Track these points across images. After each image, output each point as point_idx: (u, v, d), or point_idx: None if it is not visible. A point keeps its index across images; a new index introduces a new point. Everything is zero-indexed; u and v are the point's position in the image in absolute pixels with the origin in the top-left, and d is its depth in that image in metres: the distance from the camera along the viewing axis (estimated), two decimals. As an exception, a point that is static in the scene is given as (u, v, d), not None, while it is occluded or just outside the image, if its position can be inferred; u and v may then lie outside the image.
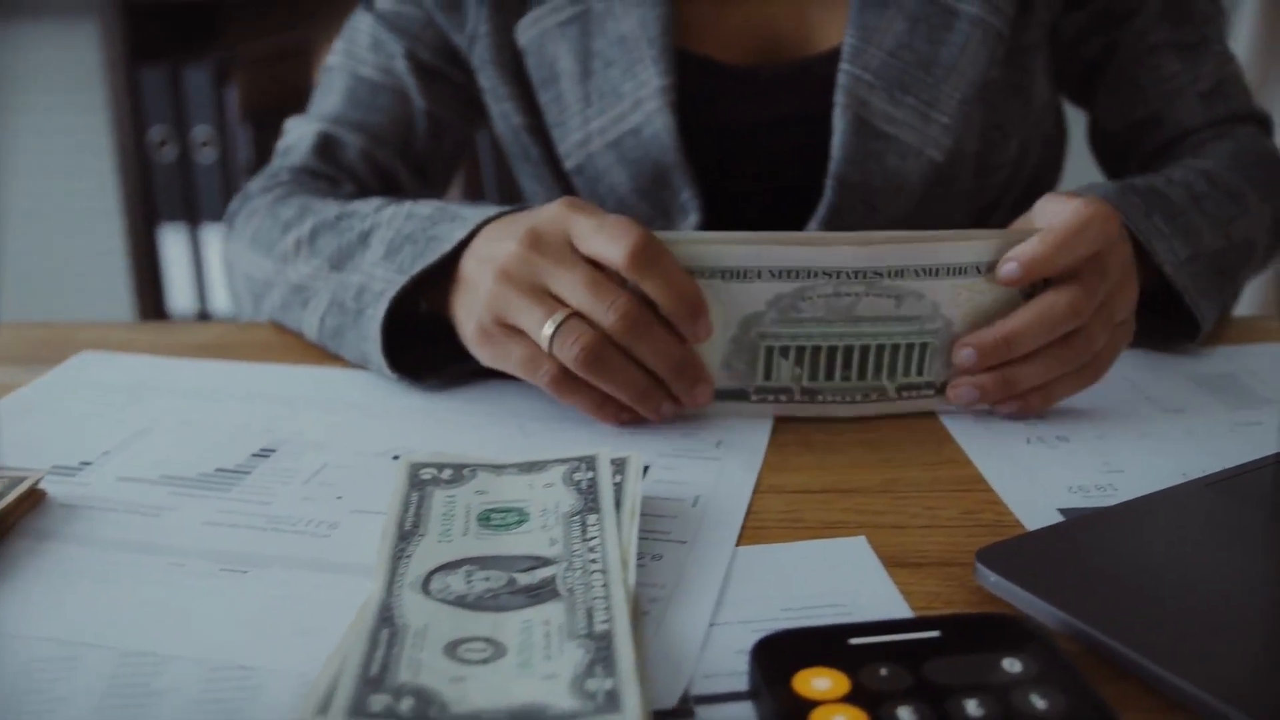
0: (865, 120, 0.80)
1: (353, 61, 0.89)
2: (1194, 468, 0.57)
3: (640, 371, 0.59)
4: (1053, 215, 0.60)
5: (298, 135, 0.89)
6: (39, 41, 2.00)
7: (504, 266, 0.59)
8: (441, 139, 0.91)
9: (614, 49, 0.82)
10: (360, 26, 0.90)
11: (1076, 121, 0.98)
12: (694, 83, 0.83)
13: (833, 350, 0.60)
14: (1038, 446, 0.59)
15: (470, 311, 0.62)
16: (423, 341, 0.67)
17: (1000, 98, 0.83)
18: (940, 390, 0.62)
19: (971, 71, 0.81)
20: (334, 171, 0.87)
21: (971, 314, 0.60)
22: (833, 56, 0.82)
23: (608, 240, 0.57)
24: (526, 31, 0.84)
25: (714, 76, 0.85)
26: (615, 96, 0.82)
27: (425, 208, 0.69)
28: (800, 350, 0.60)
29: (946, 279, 0.59)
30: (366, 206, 0.73)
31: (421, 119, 0.89)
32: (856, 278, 0.58)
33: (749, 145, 0.86)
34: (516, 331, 0.60)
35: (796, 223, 0.85)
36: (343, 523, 0.52)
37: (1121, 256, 0.61)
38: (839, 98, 0.80)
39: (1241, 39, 1.97)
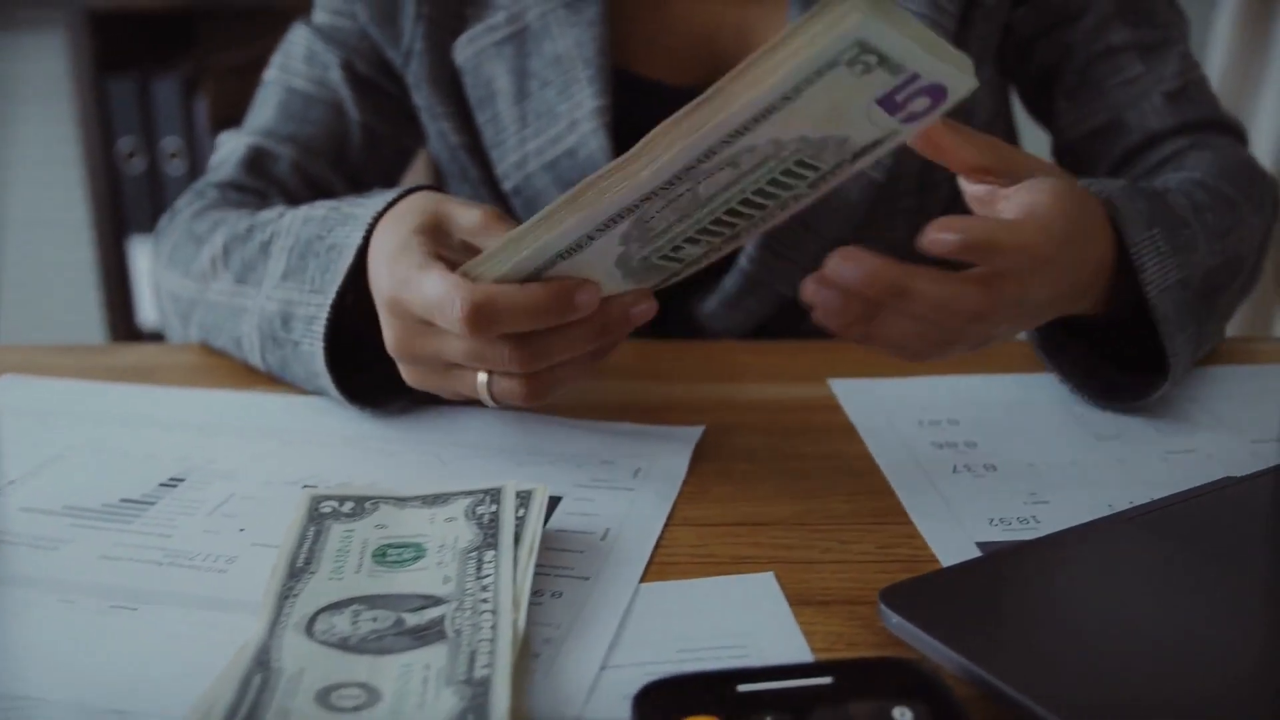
0: None
1: (286, 75, 0.88)
2: (1121, 499, 0.55)
3: (579, 335, 0.56)
4: (1034, 204, 0.54)
5: (228, 150, 0.87)
6: (5, 53, 1.99)
7: (394, 342, 0.58)
8: (378, 151, 0.89)
9: (550, 69, 0.81)
10: (296, 40, 0.89)
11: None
12: (632, 104, 0.82)
13: (719, 221, 0.52)
14: (964, 475, 0.58)
15: (387, 340, 0.59)
16: (373, 354, 0.63)
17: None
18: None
19: None
20: (263, 185, 0.85)
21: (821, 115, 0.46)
22: None
23: (443, 321, 0.54)
24: (463, 51, 0.83)
25: (653, 97, 0.82)
26: (551, 117, 0.81)
27: (319, 209, 0.67)
28: (692, 239, 0.53)
29: (765, 126, 0.46)
30: (272, 214, 0.71)
31: (357, 130, 0.87)
32: (677, 183, 0.48)
33: None
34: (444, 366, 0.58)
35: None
36: (241, 557, 0.51)
37: (1077, 276, 0.56)
38: None
39: (1218, 46, 1.97)
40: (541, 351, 0.55)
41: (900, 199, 0.83)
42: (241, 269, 0.69)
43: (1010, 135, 0.97)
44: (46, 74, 1.98)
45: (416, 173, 1.47)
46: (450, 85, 0.84)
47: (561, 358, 0.55)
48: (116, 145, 1.84)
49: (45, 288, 2.10)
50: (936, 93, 0.45)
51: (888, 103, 0.45)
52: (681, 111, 0.46)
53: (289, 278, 0.65)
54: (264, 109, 0.87)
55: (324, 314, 0.62)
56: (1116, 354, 0.68)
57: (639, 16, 0.84)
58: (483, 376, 0.56)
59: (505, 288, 0.53)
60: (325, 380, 0.63)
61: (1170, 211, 0.64)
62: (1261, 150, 1.97)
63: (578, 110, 0.80)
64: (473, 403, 0.59)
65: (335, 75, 0.86)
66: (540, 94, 0.81)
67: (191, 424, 0.64)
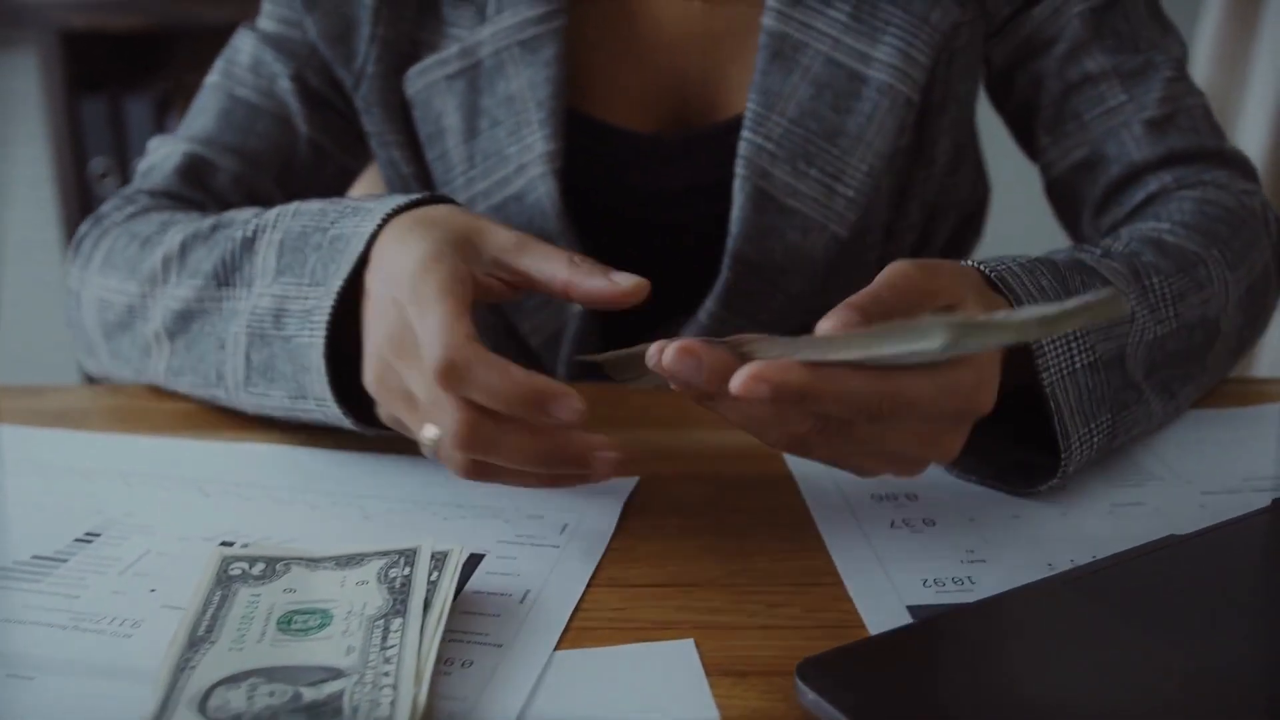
0: (766, 193, 0.77)
1: (230, 82, 0.83)
2: (1062, 557, 0.54)
3: (531, 447, 0.51)
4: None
5: (161, 155, 0.82)
6: (-22, 72, 1.98)
7: (380, 338, 0.55)
8: (324, 169, 0.86)
9: (501, 108, 0.79)
10: (241, 46, 0.84)
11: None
12: (586, 148, 0.80)
13: None
14: (901, 531, 0.57)
15: (367, 351, 0.56)
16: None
17: (901, 161, 0.80)
18: None
19: (879, 142, 0.77)
20: (201, 196, 0.81)
21: None
22: (736, 124, 0.78)
23: (423, 354, 0.51)
24: (414, 82, 0.81)
25: (608, 142, 0.81)
26: (499, 159, 0.79)
27: (312, 204, 0.63)
28: None
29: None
30: (241, 214, 0.67)
31: (304, 146, 0.83)
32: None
33: (644, 215, 0.82)
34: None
35: (692, 298, 0.81)
36: (148, 620, 0.49)
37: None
38: (739, 168, 0.77)
39: (1204, 44, 1.96)
40: (489, 439, 0.50)
41: (865, 252, 0.81)
42: (222, 269, 0.65)
43: (979, 182, 0.94)
44: (19, 94, 1.97)
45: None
46: (401, 113, 0.82)
47: (505, 457, 0.51)
48: (89, 165, 1.84)
49: (17, 308, 2.09)
50: None
51: None
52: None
53: (284, 273, 0.62)
54: (203, 115, 0.83)
55: (327, 303, 0.58)
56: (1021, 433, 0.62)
57: (600, 59, 0.82)
58: (431, 430, 0.53)
59: (493, 359, 0.49)
60: (313, 375, 0.59)
61: (1090, 284, 0.60)
62: (1248, 147, 1.97)
63: (527, 154, 0.78)
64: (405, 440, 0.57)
65: (284, 86, 0.82)
66: (490, 134, 0.79)
67: (114, 472, 0.63)
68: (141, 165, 0.84)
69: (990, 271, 0.57)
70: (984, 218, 0.97)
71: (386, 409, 0.56)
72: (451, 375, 0.49)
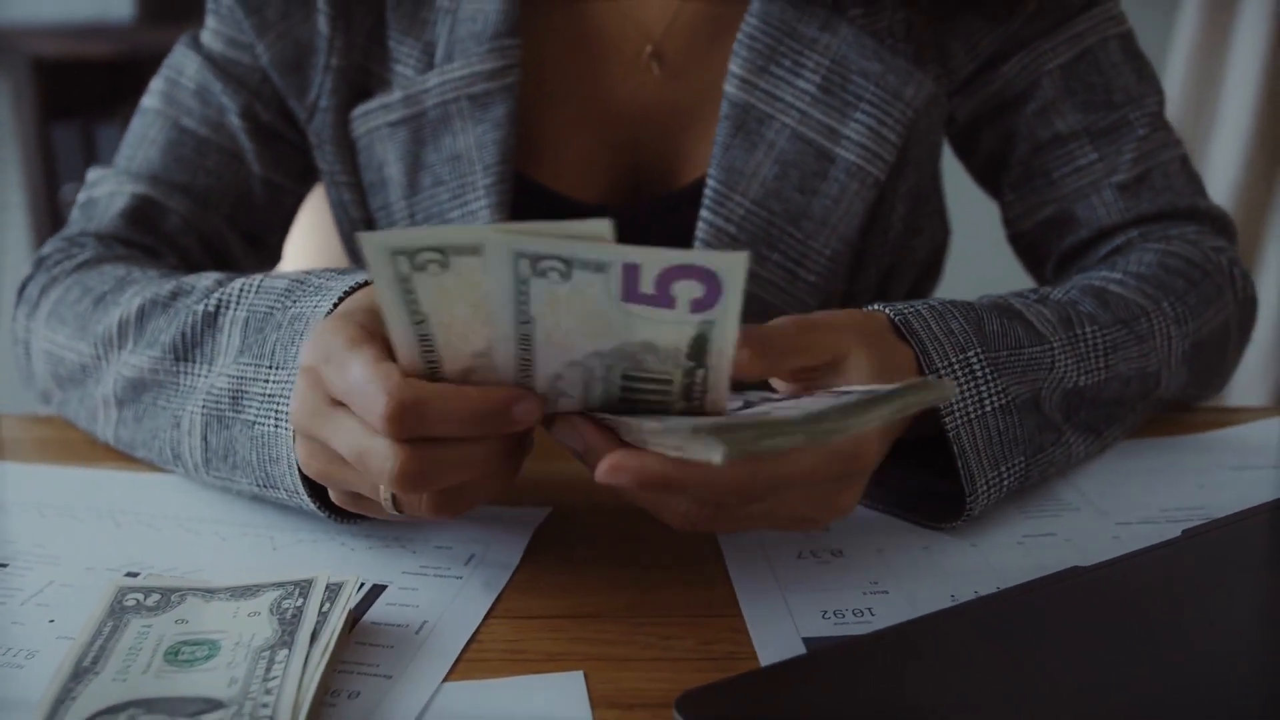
0: None
1: (174, 109, 0.79)
2: (966, 589, 0.54)
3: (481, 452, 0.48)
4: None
5: (106, 193, 0.78)
6: (-49, 99, 1.99)
7: (296, 413, 0.51)
8: (280, 206, 0.82)
9: (445, 167, 0.75)
10: (185, 69, 0.79)
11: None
12: (530, 218, 0.76)
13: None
14: (807, 561, 0.57)
15: (291, 409, 0.52)
16: None
17: (859, 233, 0.77)
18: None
19: (844, 226, 0.74)
20: (152, 242, 0.77)
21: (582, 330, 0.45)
22: (694, 194, 0.75)
23: (360, 411, 0.47)
24: (357, 125, 0.77)
25: (557, 214, 0.75)
26: (440, 222, 0.76)
27: (279, 280, 0.60)
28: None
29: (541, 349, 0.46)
30: (202, 282, 0.64)
31: (258, 186, 0.80)
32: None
33: None
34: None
35: None
36: (43, 651, 0.49)
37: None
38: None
39: (1179, 49, 1.98)
40: (436, 463, 0.46)
41: (830, 300, 0.78)
42: (182, 344, 0.61)
43: (933, 242, 0.91)
44: (-9, 121, 1.98)
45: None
46: (351, 153, 0.79)
47: (457, 472, 0.47)
48: (61, 191, 1.84)
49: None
50: (703, 275, 0.42)
51: (640, 296, 0.43)
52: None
53: (244, 352, 0.58)
54: (147, 146, 0.79)
55: (290, 390, 0.54)
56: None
57: (551, 122, 0.79)
58: (382, 489, 0.49)
59: (441, 388, 0.46)
60: (283, 467, 0.55)
61: (1010, 328, 0.60)
62: (1224, 155, 1.98)
63: (470, 221, 0.75)
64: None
65: (234, 122, 0.78)
66: (432, 192, 0.76)
67: (29, 503, 0.63)
68: (81, 197, 0.81)
69: (896, 316, 0.57)
70: (943, 263, 0.95)
71: (333, 488, 0.52)
72: (406, 417, 0.45)
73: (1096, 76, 0.77)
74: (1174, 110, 1.98)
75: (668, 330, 0.44)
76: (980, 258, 1.18)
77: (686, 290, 0.43)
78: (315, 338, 0.50)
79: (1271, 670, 0.46)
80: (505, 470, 0.50)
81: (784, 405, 0.49)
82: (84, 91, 1.89)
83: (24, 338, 0.74)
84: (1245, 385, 2.02)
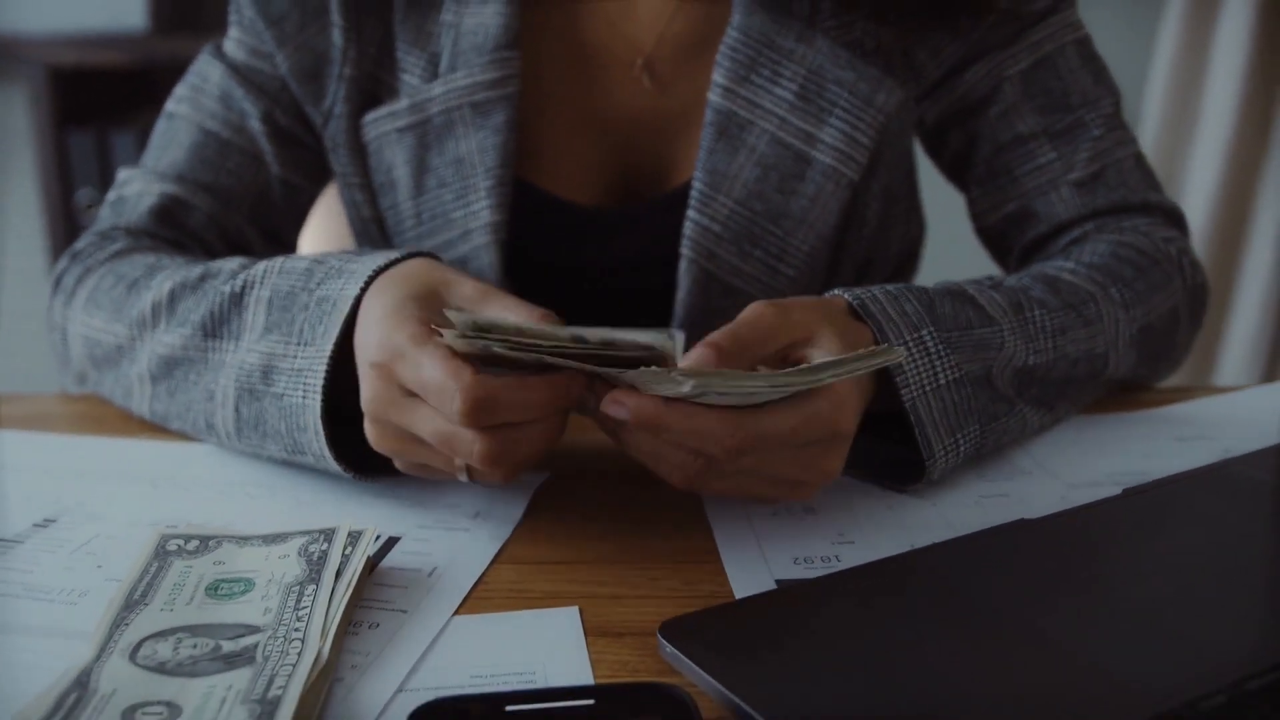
0: (711, 274, 0.79)
1: (199, 113, 0.84)
2: (925, 540, 0.59)
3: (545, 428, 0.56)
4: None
5: (135, 192, 0.83)
6: (-31, 107, 2.05)
7: (370, 403, 0.58)
8: (296, 204, 0.88)
9: (449, 170, 0.80)
10: (209, 75, 0.85)
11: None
12: (530, 221, 0.81)
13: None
14: (783, 517, 0.63)
15: (364, 397, 0.59)
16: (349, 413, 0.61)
17: (835, 230, 0.82)
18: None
19: (821, 224, 0.80)
20: (179, 237, 0.82)
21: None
22: (683, 195, 0.80)
23: (438, 404, 0.54)
24: (368, 130, 0.83)
25: (553, 215, 0.83)
26: (445, 221, 0.81)
27: (300, 261, 0.66)
28: None
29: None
30: (227, 265, 0.70)
31: (277, 185, 0.85)
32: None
33: (587, 285, 0.85)
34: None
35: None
36: (92, 591, 0.55)
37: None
38: (685, 249, 0.79)
39: (1163, 51, 2.03)
40: (513, 444, 0.54)
41: (809, 292, 0.82)
42: (210, 322, 0.67)
43: (908, 237, 0.95)
44: (9, 127, 2.04)
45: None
46: (363, 156, 0.84)
47: (529, 449, 0.55)
48: (75, 196, 1.90)
49: (5, 334, 2.14)
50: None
51: None
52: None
53: (272, 330, 0.64)
54: (174, 149, 0.84)
55: (320, 366, 0.61)
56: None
57: (549, 130, 0.83)
58: (461, 475, 0.57)
59: (506, 381, 0.53)
60: (310, 435, 0.62)
61: (961, 311, 0.65)
62: (1208, 149, 2.04)
63: (473, 220, 0.80)
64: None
65: (255, 126, 0.83)
66: (437, 194, 0.81)
67: (71, 469, 0.68)
68: (111, 195, 0.86)
69: (853, 300, 0.63)
70: (919, 256, 1.01)
71: (402, 461, 0.60)
72: (481, 411, 0.52)
73: (1054, 81, 0.83)
74: (1158, 107, 2.05)
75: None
76: (957, 252, 1.23)
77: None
78: (381, 335, 0.57)
79: (1199, 608, 0.52)
80: (557, 438, 0.58)
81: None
82: (98, 99, 1.94)
83: (61, 324, 0.79)
84: (1237, 369, 2.09)
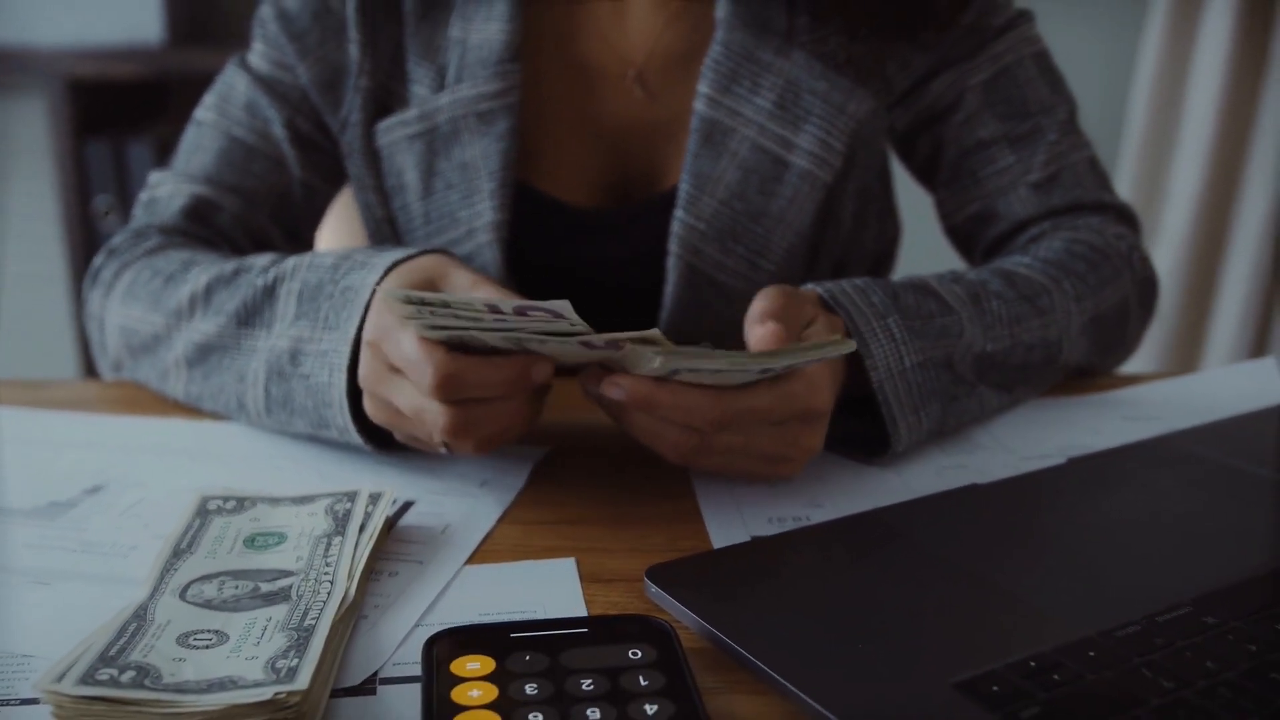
0: (697, 269, 0.85)
1: (226, 121, 0.90)
2: (885, 504, 0.66)
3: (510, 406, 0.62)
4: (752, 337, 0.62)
5: (166, 193, 0.89)
6: (-9, 116, 2.12)
7: (364, 376, 0.64)
8: (315, 205, 0.94)
9: (455, 173, 0.86)
10: (236, 85, 0.91)
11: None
12: (531, 221, 0.88)
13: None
14: (761, 485, 0.69)
15: (360, 372, 0.65)
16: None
17: (812, 228, 0.88)
18: None
19: (798, 222, 0.86)
20: (208, 234, 0.88)
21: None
22: (670, 198, 0.86)
23: (413, 379, 0.60)
24: (381, 136, 0.89)
25: (552, 217, 0.89)
26: (451, 221, 0.87)
27: (327, 258, 0.72)
28: None
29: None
30: (259, 261, 0.76)
31: (298, 187, 0.91)
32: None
33: (583, 280, 0.91)
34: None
35: None
36: (142, 545, 0.61)
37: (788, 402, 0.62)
38: (673, 246, 0.85)
39: (1148, 48, 2.10)
40: (476, 418, 0.60)
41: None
42: (243, 311, 0.74)
43: (883, 234, 1.01)
44: (28, 136, 2.11)
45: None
46: (376, 161, 0.90)
47: (492, 423, 0.61)
48: (92, 203, 1.97)
49: (26, 335, 2.21)
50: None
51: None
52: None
53: (300, 319, 0.70)
54: (202, 153, 0.90)
55: (344, 348, 0.67)
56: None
57: (549, 136, 0.89)
58: (441, 448, 0.63)
59: (475, 360, 0.59)
60: (335, 410, 0.68)
61: (924, 302, 0.72)
62: (1190, 157, 2.11)
63: (477, 220, 0.86)
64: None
65: (278, 132, 0.89)
66: (444, 195, 0.87)
67: (115, 444, 0.75)
68: (143, 196, 0.92)
69: (825, 292, 0.70)
70: (895, 256, 1.08)
71: (397, 432, 0.66)
72: (449, 385, 0.58)
73: (1014, 90, 0.90)
74: (1142, 112, 2.12)
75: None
76: (931, 250, 1.30)
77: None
78: (373, 316, 0.64)
79: (1125, 558, 0.58)
80: (529, 416, 0.64)
81: None
82: (114, 110, 2.00)
83: (99, 314, 0.86)
84: (1219, 360, 2.15)
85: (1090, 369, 0.87)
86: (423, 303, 0.57)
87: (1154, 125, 2.14)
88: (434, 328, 0.58)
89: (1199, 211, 2.13)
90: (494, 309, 0.57)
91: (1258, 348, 2.19)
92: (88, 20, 1.89)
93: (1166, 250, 2.15)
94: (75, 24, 1.89)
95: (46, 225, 2.11)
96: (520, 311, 0.56)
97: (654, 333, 0.58)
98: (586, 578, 0.58)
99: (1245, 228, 2.13)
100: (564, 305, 0.56)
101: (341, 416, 0.68)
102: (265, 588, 0.54)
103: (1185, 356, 2.23)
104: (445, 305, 0.57)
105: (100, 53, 1.89)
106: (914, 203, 1.14)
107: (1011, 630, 0.51)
